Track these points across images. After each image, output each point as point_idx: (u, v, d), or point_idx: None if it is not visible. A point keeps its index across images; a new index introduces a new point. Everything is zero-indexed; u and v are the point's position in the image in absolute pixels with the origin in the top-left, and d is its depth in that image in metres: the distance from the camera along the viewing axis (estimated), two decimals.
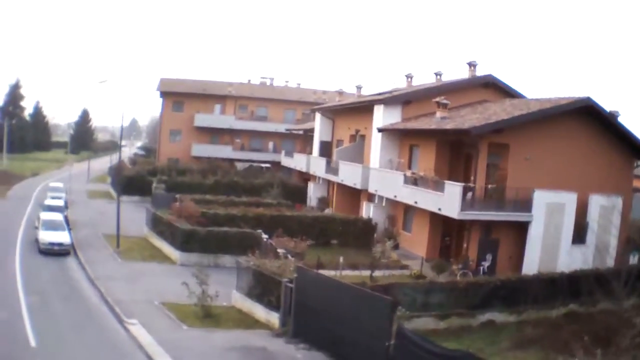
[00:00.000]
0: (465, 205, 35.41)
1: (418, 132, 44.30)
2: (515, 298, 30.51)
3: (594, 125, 40.73)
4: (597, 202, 39.75)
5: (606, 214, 40.12)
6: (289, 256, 32.02)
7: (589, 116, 40.13)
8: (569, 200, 38.09)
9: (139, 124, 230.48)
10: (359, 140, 54.17)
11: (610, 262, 39.00)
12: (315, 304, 24.54)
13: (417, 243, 42.07)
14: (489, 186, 37.43)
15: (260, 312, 27.65)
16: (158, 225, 41.95)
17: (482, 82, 49.65)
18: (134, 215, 47.13)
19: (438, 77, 55.45)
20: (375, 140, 48.09)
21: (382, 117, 47.44)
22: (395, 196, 43.30)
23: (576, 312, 32.36)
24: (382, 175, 46.06)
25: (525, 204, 36.78)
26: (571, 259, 37.36)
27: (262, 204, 51.12)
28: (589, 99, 39.36)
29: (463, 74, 51.70)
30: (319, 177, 61.26)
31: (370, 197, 48.50)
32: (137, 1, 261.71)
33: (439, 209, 37.17)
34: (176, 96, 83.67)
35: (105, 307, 28.43)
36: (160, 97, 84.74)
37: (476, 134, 36.14)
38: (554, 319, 30.84)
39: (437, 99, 43.31)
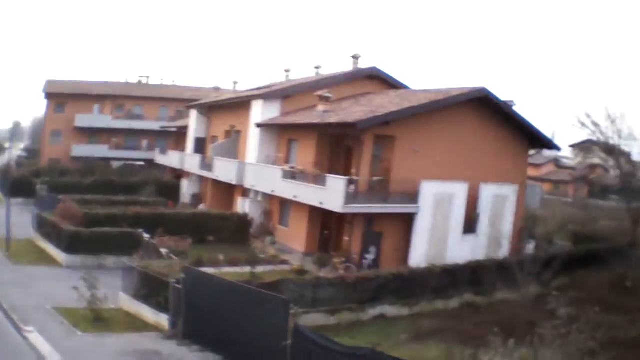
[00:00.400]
0: (349, 198, 32.68)
1: (298, 126, 41.44)
2: (407, 291, 29.31)
3: (489, 115, 39.30)
4: (488, 192, 38.14)
5: (499, 203, 38.63)
6: (172, 255, 31.05)
7: (484, 107, 38.64)
8: (458, 190, 36.29)
9: (22, 125, 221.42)
10: (234, 136, 51.09)
11: (504, 251, 37.35)
12: (205, 304, 23.06)
13: (295, 237, 39.15)
14: (373, 178, 34.79)
15: (148, 314, 25.69)
16: (44, 227, 39.63)
17: (366, 74, 47.37)
18: (20, 218, 43.38)
19: (317, 70, 53.18)
20: (253, 136, 45.01)
21: (260, 112, 44.45)
22: (273, 191, 40.35)
23: (473, 302, 31.50)
24: (259, 170, 43.01)
25: (412, 196, 34.53)
26: (461, 250, 35.89)
27: (139, 203, 48.37)
28: (484, 89, 37.85)
29: (346, 67, 49.42)
30: (193, 174, 58.15)
31: (245, 193, 45.46)
32: (18, 3, 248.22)
33: (321, 203, 34.23)
34: (59, 97, 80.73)
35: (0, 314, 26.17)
36: (45, 98, 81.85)
37: (362, 128, 33.50)
38: (450, 310, 30.18)
39: (319, 93, 40.67)
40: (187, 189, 59.01)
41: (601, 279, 35.43)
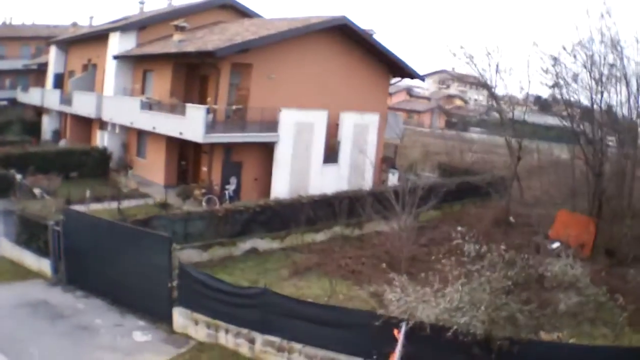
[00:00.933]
0: (209, 128, 31.80)
1: (154, 56, 39.80)
2: (276, 223, 28.65)
3: (350, 45, 39.20)
4: (350, 120, 38.12)
5: (361, 132, 38.69)
6: (45, 195, 29.90)
7: (344, 36, 38.50)
8: (319, 118, 35.99)
9: None
10: (91, 70, 49.22)
11: (367, 182, 37.64)
12: (87, 247, 22.13)
13: (153, 170, 38.30)
14: (233, 107, 34.09)
15: (30, 260, 24.40)
16: None
17: (219, 3, 46.36)
18: None
19: (170, 1, 51.46)
20: (110, 69, 43.26)
21: (117, 44, 42.72)
22: (132, 123, 38.80)
23: (344, 235, 31.04)
24: (117, 103, 41.44)
25: (272, 125, 33.99)
26: (323, 180, 35.84)
27: (6, 142, 45.79)
28: (344, 17, 37.46)
29: None
30: (53, 110, 55.94)
31: (104, 126, 43.76)
32: None
33: (181, 133, 33.18)
34: None
35: None
36: None
37: (220, 56, 32.41)
38: (321, 243, 29.59)
39: (176, 22, 39.32)
40: (48, 125, 56.86)
41: (482, 213, 35.36)
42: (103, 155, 40.88)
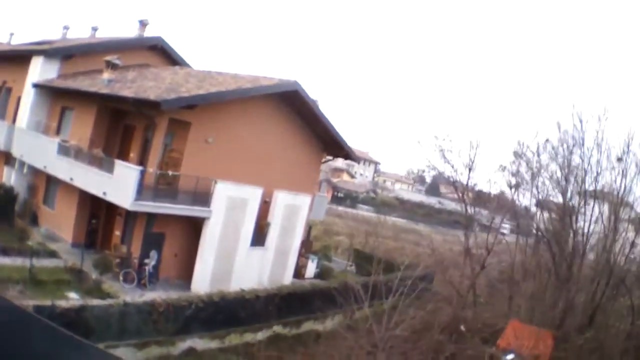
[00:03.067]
0: (141, 193, 27.88)
1: (78, 93, 35.01)
2: (217, 320, 26.22)
3: (293, 113, 36.58)
4: (282, 200, 35.24)
5: (291, 214, 36.08)
6: None
7: (287, 102, 35.70)
8: (253, 196, 32.93)
9: None
10: (4, 94, 43.77)
11: (289, 268, 35.17)
12: None
13: (61, 223, 33.78)
14: (170, 173, 30.36)
15: None
16: None
17: (149, 44, 42.85)
18: None
19: (94, 32, 47.71)
20: (27, 97, 38.50)
21: (39, 70, 37.99)
22: (45, 167, 34.32)
23: (280, 334, 29.33)
24: (31, 140, 36.70)
25: (203, 197, 30.53)
26: (248, 264, 33.23)
27: None
28: (296, 82, 34.62)
29: (125, 32, 44.40)
30: None
31: (10, 161, 38.81)
32: None
33: (104, 194, 28.94)
34: None
35: None
36: None
37: (165, 108, 28.58)
38: (258, 344, 27.88)
39: (109, 58, 34.89)
40: None
41: (425, 317, 32.84)
42: (9, 195, 35.38)
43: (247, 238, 32.97)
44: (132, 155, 31.51)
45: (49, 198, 36.01)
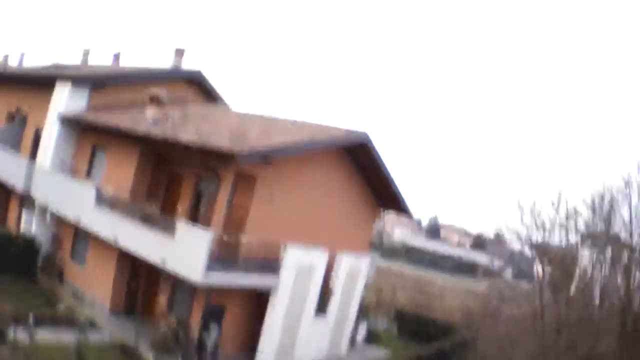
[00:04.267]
0: (212, 263, 23.18)
1: (112, 131, 30.25)
2: None
3: (353, 167, 32.66)
4: (346, 264, 31.40)
5: (352, 277, 32.19)
6: None
7: (356, 154, 31.81)
8: (320, 261, 28.96)
9: None
10: (19, 122, 38.92)
11: (345, 337, 31.41)
12: None
13: (94, 283, 28.82)
14: (240, 236, 25.51)
15: None
16: None
17: (187, 77, 38.83)
18: None
19: (116, 58, 43.32)
20: (51, 130, 33.53)
21: (66, 100, 33.02)
22: (79, 221, 29.21)
23: None
24: (58, 183, 31.87)
25: (271, 263, 26.21)
26: (311, 336, 29.35)
27: None
28: (366, 134, 30.61)
29: (148, 60, 40.36)
30: None
31: (28, 203, 33.60)
32: None
33: (164, 262, 24.16)
34: None
35: None
36: None
37: (243, 161, 24.29)
38: None
39: (153, 92, 30.72)
40: None
41: None
42: (30, 247, 30.54)
43: (312, 307, 29.01)
44: (179, 209, 27.21)
45: (78, 252, 31.17)
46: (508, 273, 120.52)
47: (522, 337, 29.27)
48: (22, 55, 50.49)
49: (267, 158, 25.34)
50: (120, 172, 29.66)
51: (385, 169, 32.97)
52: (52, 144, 33.11)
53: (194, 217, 27.05)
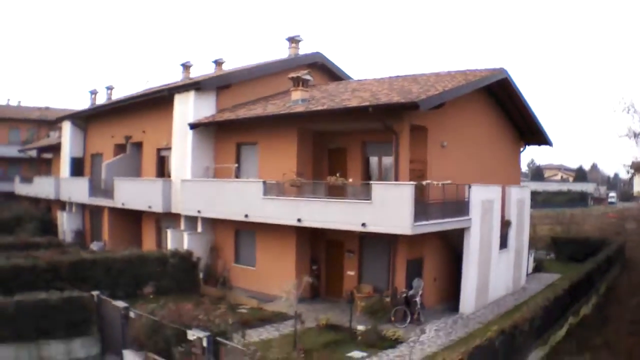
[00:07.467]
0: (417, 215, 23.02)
1: (259, 123, 30.37)
2: None
3: (495, 104, 32.77)
4: (515, 195, 31.66)
5: (521, 209, 32.12)
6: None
7: (496, 92, 31.89)
8: (497, 195, 29.02)
9: None
10: (132, 150, 40.15)
11: (524, 270, 31.65)
12: None
13: (269, 280, 28.22)
14: (441, 183, 25.51)
15: None
16: None
17: (309, 61, 38.44)
18: None
19: (216, 66, 43.11)
20: (180, 143, 34.00)
21: (192, 107, 33.48)
22: (247, 215, 28.94)
23: None
24: (209, 189, 31.90)
25: (460, 205, 26.17)
26: (498, 272, 29.37)
27: (31, 245, 34.99)
28: (503, 70, 30.63)
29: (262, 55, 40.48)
30: (74, 204, 46.19)
31: (174, 222, 34.41)
32: None
33: (364, 225, 23.71)
34: None
35: None
36: None
37: (424, 109, 23.81)
38: None
39: (294, 74, 30.54)
40: (67, 223, 46.32)
41: None
42: (187, 262, 30.51)
43: (497, 242, 29.04)
44: (350, 180, 27.10)
45: (244, 255, 31.61)
46: (613, 197, 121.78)
47: None
48: (110, 88, 51.42)
49: (439, 104, 25.24)
50: (279, 158, 29.72)
51: (526, 102, 33.00)
52: (189, 154, 33.46)
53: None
